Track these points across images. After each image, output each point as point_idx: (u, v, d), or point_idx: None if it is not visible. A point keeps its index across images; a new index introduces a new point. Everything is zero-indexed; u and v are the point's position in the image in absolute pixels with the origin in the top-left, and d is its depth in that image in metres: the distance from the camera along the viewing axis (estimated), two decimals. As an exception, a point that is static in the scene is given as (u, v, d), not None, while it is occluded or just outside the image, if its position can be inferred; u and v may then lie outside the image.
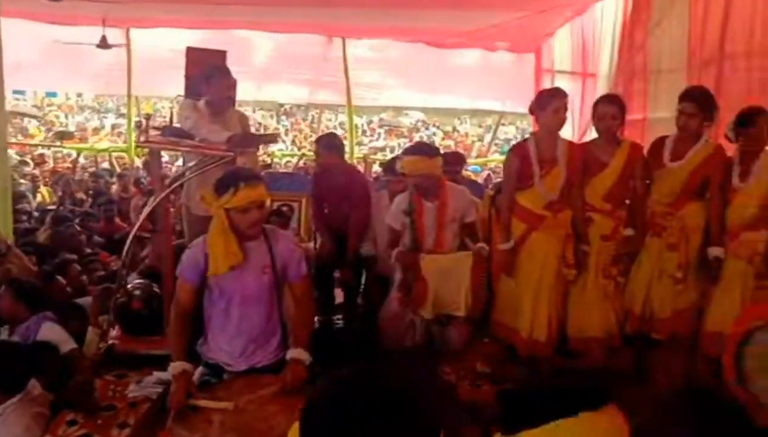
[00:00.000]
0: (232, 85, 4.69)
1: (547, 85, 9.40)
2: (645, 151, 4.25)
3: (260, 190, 2.90)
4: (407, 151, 4.33)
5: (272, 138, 4.61)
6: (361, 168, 9.86)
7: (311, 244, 5.31)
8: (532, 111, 4.09)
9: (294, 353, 2.89)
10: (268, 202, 3.01)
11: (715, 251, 3.94)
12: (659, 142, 4.16)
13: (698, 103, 3.95)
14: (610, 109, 4.05)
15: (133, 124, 9.89)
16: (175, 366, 2.79)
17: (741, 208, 3.92)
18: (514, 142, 4.71)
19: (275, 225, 3.65)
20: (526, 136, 4.76)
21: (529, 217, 4.07)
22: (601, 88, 7.98)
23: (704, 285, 4.05)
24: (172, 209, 5.74)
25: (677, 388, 4.21)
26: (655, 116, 7.12)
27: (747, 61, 6.02)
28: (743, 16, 6.04)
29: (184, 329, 2.96)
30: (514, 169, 4.07)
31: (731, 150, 4.10)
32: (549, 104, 3.92)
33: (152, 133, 4.11)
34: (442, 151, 4.62)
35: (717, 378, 4.25)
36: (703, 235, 4.01)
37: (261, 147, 7.09)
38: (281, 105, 17.96)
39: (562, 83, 9.03)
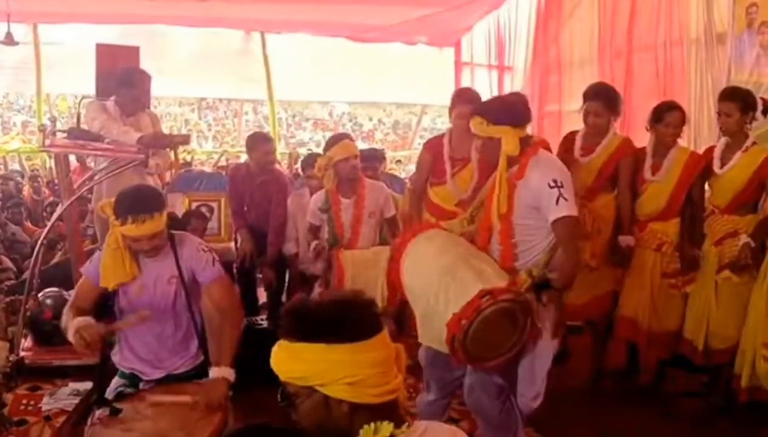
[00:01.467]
0: (147, 86, 4.55)
1: (466, 78, 9.56)
2: (557, 146, 4.34)
3: (151, 224, 2.75)
4: (334, 140, 4.29)
5: (185, 139, 4.49)
6: (286, 163, 9.81)
7: (231, 244, 5.23)
8: (451, 107, 4.06)
9: (216, 372, 2.75)
10: (164, 227, 2.88)
11: (625, 240, 4.07)
12: (570, 137, 4.25)
13: (604, 101, 4.03)
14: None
15: (39, 126, 9.52)
16: (78, 321, 2.64)
17: (651, 200, 4.03)
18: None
19: (194, 228, 3.59)
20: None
21: (440, 214, 4.05)
22: (518, 81, 8.18)
23: (617, 273, 4.20)
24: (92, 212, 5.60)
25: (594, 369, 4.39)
26: (570, 108, 7.32)
27: (653, 53, 6.29)
28: (649, 10, 6.30)
29: (78, 314, 2.77)
30: (426, 164, 4.09)
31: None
32: (454, 107, 3.94)
33: (59, 135, 3.97)
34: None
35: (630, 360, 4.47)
36: (614, 226, 4.15)
37: (185, 146, 6.95)
38: (202, 99, 17.61)
39: (481, 76, 9.21)
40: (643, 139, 4.22)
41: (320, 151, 5.28)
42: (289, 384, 1.50)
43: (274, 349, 1.50)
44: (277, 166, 5.29)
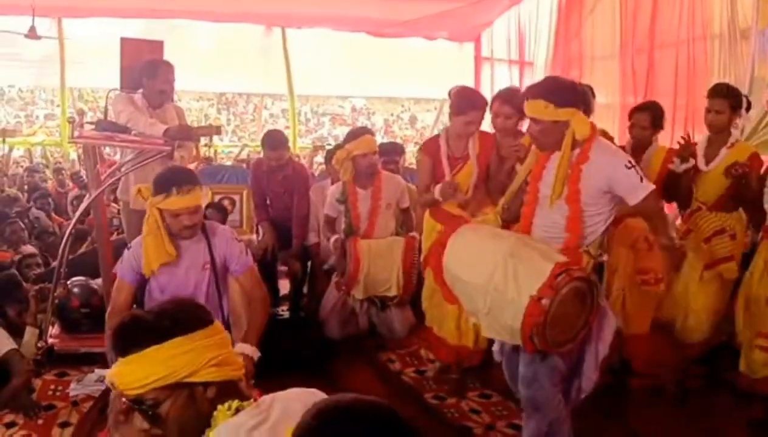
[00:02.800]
0: (174, 77, 4.61)
1: (486, 73, 9.55)
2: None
3: (193, 195, 2.88)
4: (354, 135, 4.34)
5: (214, 130, 4.52)
6: (308, 158, 9.88)
7: (254, 236, 5.30)
8: (449, 108, 3.84)
9: (241, 347, 2.85)
10: (204, 203, 3.00)
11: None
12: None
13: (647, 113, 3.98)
14: (504, 109, 3.84)
15: (67, 117, 9.64)
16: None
17: None
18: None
19: (213, 220, 3.65)
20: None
21: (444, 219, 3.82)
22: (539, 76, 8.15)
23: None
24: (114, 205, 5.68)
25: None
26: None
27: (676, 49, 6.26)
28: (672, 5, 6.27)
29: None
30: (427, 167, 3.87)
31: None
32: (465, 113, 3.70)
33: (86, 127, 4.03)
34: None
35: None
36: None
37: (205, 139, 7.01)
38: (222, 94, 17.69)
39: (501, 71, 9.20)
40: (664, 133, 4.20)
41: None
42: (145, 395, 1.57)
43: (116, 370, 1.59)
44: (299, 159, 5.34)
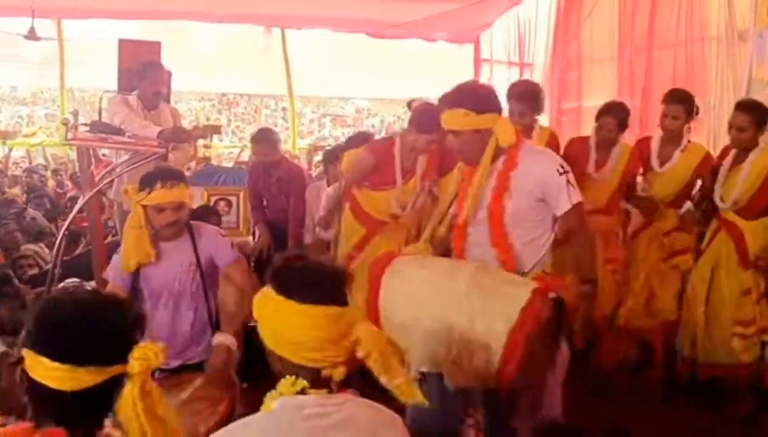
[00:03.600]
0: (165, 79, 4.62)
1: (485, 75, 9.54)
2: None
3: (178, 190, 2.87)
4: (361, 139, 4.38)
5: (210, 131, 4.54)
6: (306, 159, 9.89)
7: (250, 238, 5.30)
8: (410, 121, 3.67)
9: (217, 338, 2.80)
10: (191, 203, 3.00)
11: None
12: (645, 147, 4.18)
13: (528, 102, 3.95)
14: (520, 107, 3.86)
15: (62, 119, 9.67)
16: None
17: (593, 195, 3.92)
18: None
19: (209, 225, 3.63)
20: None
21: (368, 221, 3.79)
22: (538, 78, 8.14)
23: None
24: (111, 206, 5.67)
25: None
26: (590, 104, 7.30)
27: (674, 51, 6.25)
28: (670, 7, 6.26)
29: None
30: (366, 167, 3.71)
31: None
32: (430, 132, 3.47)
33: (81, 128, 4.03)
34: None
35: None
36: None
37: (205, 139, 7.03)
38: (223, 95, 17.71)
39: (500, 73, 9.19)
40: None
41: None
42: None
43: None
44: (298, 160, 5.35)
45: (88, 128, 4.03)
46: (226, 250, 3.06)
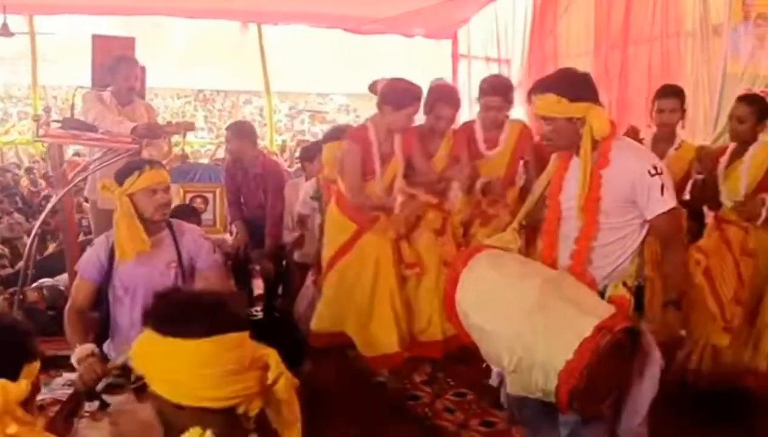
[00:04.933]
0: (137, 74, 4.56)
1: (463, 70, 9.54)
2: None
3: (164, 173, 2.92)
4: (338, 133, 4.30)
5: (184, 127, 4.48)
6: (287, 154, 9.83)
7: (227, 235, 5.24)
8: (381, 103, 3.62)
9: None
10: (173, 193, 2.98)
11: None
12: (469, 131, 4.06)
13: (503, 95, 3.94)
14: (447, 112, 3.87)
15: (33, 115, 9.52)
16: (81, 349, 2.65)
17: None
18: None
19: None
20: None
21: (358, 216, 3.73)
22: (515, 73, 8.17)
23: None
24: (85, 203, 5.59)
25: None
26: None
27: (649, 45, 6.29)
28: (645, 2, 6.30)
29: (80, 321, 2.86)
30: (358, 161, 3.62)
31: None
32: (407, 106, 3.55)
33: (53, 125, 3.97)
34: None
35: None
36: None
37: (179, 135, 6.97)
38: (200, 91, 17.59)
39: (478, 68, 9.19)
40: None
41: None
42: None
43: None
44: (274, 157, 5.30)
45: (60, 125, 3.96)
46: (208, 253, 3.02)
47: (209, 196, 5.38)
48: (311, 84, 13.14)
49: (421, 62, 10.79)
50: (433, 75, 10.25)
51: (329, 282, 3.78)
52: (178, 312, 1.42)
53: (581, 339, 2.16)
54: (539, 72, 7.84)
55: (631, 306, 2.44)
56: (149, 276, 2.91)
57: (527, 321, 2.26)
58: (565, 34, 7.45)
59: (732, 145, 3.80)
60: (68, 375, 3.63)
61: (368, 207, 3.70)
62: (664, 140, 3.91)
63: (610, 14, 6.67)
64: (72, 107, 4.21)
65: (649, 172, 2.41)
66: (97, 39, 5.03)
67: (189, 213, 4.63)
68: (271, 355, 1.46)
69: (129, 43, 5.09)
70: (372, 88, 3.75)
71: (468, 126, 4.10)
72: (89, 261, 2.94)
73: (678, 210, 2.56)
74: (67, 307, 2.91)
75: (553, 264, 2.61)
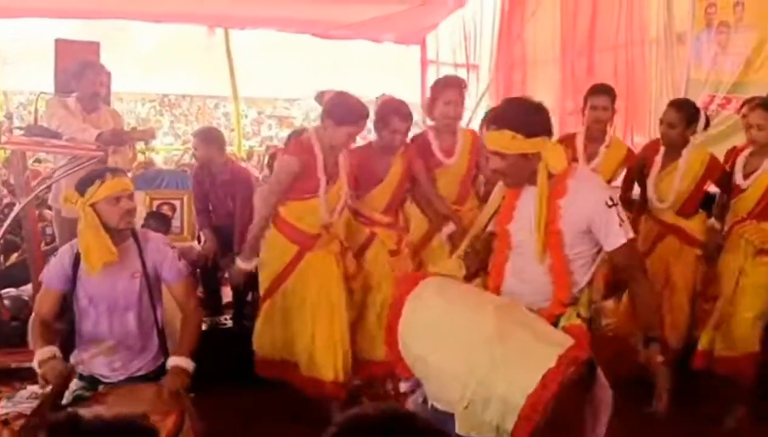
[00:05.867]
0: (103, 80, 4.48)
1: (432, 75, 9.57)
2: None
3: (126, 181, 2.88)
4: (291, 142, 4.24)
5: (148, 134, 4.42)
6: (254, 160, 9.74)
7: (195, 243, 5.17)
8: (324, 116, 3.43)
9: (175, 361, 2.81)
10: (139, 201, 2.94)
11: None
12: (422, 142, 4.01)
13: (462, 93, 3.93)
14: (401, 126, 3.75)
15: (-2, 122, 9.34)
16: (42, 352, 2.66)
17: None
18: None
19: (153, 231, 3.54)
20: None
21: (300, 238, 3.51)
22: (483, 79, 8.23)
23: None
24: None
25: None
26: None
27: (615, 53, 6.39)
28: (611, 10, 6.40)
29: (45, 331, 2.82)
30: (292, 172, 3.40)
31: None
32: (352, 124, 3.37)
33: (16, 132, 3.88)
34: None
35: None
36: None
37: (141, 143, 6.87)
38: (165, 96, 17.38)
39: (447, 73, 9.24)
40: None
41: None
42: None
43: None
44: (243, 163, 5.25)
45: (23, 132, 3.87)
46: (174, 265, 2.96)
47: (176, 203, 5.30)
48: (279, 89, 13.03)
49: (389, 68, 10.80)
50: (403, 81, 10.34)
51: (271, 308, 3.58)
52: None
53: (545, 370, 2.08)
54: (507, 77, 7.93)
55: (587, 337, 2.38)
56: (113, 287, 2.87)
57: (484, 352, 2.15)
58: (533, 40, 7.54)
59: (662, 149, 3.92)
60: (33, 388, 3.54)
61: (264, 218, 3.52)
62: (595, 139, 4.04)
63: (576, 21, 6.77)
64: (35, 113, 4.11)
65: (606, 203, 2.38)
66: (60, 43, 4.94)
67: (160, 220, 4.59)
68: None
69: (93, 47, 5.00)
70: (318, 98, 3.62)
71: (420, 137, 4.02)
72: (53, 271, 2.88)
73: (636, 240, 2.54)
74: (31, 318, 2.88)
75: (498, 295, 2.55)
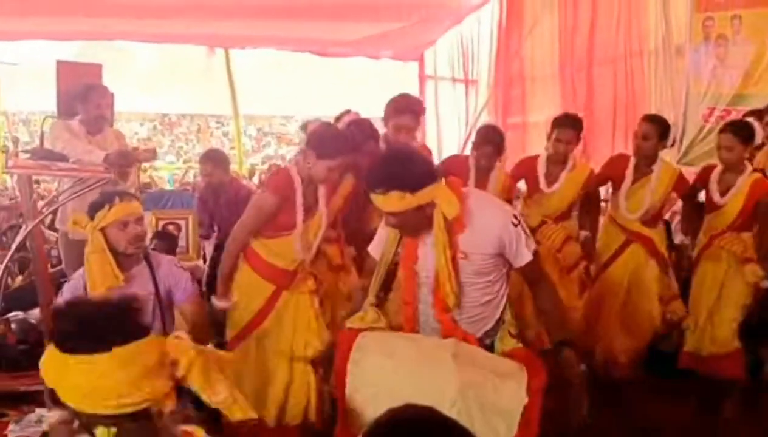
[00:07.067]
0: (108, 102, 4.50)
1: (430, 91, 9.64)
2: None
3: (136, 204, 2.88)
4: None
5: (151, 154, 4.42)
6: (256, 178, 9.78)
7: (200, 262, 5.19)
8: (306, 146, 3.15)
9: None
10: (147, 222, 2.94)
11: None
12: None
13: (415, 115, 3.90)
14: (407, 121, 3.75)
15: (1, 146, 9.36)
16: (53, 415, 2.62)
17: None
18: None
19: (159, 251, 3.56)
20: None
21: (277, 276, 3.20)
22: (482, 94, 8.28)
23: None
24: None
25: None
26: (535, 119, 7.45)
27: (614, 66, 6.43)
28: (609, 24, 6.44)
29: None
30: (271, 211, 3.12)
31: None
32: (332, 157, 3.07)
33: (22, 155, 3.89)
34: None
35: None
36: None
37: (149, 162, 6.90)
38: (165, 115, 17.47)
39: (445, 89, 9.31)
40: (604, 149, 4.31)
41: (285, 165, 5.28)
42: None
43: None
44: (244, 181, 5.28)
45: (29, 155, 3.88)
46: (186, 285, 2.98)
47: (182, 222, 5.33)
48: (279, 107, 13.12)
49: (388, 84, 10.87)
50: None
51: (244, 354, 3.20)
52: (76, 329, 1.43)
53: (521, 408, 2.09)
54: (506, 93, 7.97)
55: (533, 356, 2.39)
56: None
57: (461, 402, 2.08)
58: (531, 56, 7.58)
59: (633, 160, 4.03)
60: (41, 411, 3.54)
61: (235, 256, 3.19)
62: (558, 162, 4.08)
63: (574, 36, 6.81)
64: (41, 136, 4.13)
65: (512, 223, 2.38)
66: (62, 65, 4.95)
67: (167, 240, 4.61)
68: (179, 347, 1.49)
69: (95, 69, 5.01)
70: (303, 127, 3.50)
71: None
72: (69, 296, 2.89)
73: (538, 251, 2.52)
74: None
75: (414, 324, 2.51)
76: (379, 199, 2.33)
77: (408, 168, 2.33)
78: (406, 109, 3.82)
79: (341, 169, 3.14)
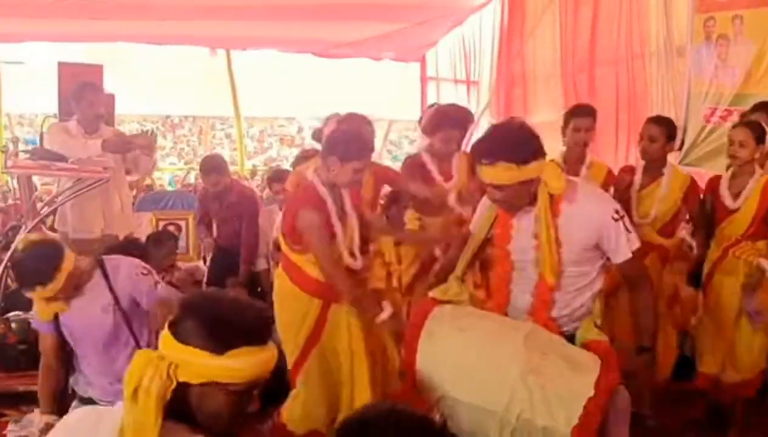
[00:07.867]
0: (102, 100, 4.50)
1: (432, 92, 9.62)
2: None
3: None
4: (306, 156, 4.22)
5: (146, 140, 4.33)
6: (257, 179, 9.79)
7: (200, 263, 5.20)
8: (325, 153, 3.10)
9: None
10: (146, 221, 2.93)
11: None
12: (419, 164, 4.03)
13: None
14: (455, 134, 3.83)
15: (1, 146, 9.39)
16: (40, 419, 2.82)
17: None
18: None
19: (159, 251, 3.55)
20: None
21: (324, 290, 3.10)
22: (484, 95, 8.27)
23: None
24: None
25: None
26: (536, 120, 7.42)
27: (615, 67, 6.41)
28: (610, 24, 6.42)
29: (49, 378, 2.92)
30: (321, 223, 3.02)
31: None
32: (351, 160, 3.01)
33: (21, 156, 3.90)
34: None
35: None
36: None
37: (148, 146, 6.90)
38: (167, 117, 17.48)
39: (447, 90, 9.29)
40: (607, 150, 4.28)
41: (287, 166, 5.29)
42: None
43: None
44: (245, 182, 5.30)
45: (28, 155, 3.89)
46: (149, 291, 2.91)
47: (182, 223, 5.34)
48: (280, 108, 13.12)
49: (390, 84, 10.87)
50: (403, 98, 10.37)
51: (307, 374, 3.15)
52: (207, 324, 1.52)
53: (585, 400, 2.05)
54: (508, 93, 7.96)
55: (613, 354, 2.34)
56: (87, 325, 2.87)
57: (520, 387, 2.07)
58: (533, 57, 7.56)
59: (641, 164, 3.88)
60: (40, 411, 3.54)
61: (343, 276, 3.07)
62: (576, 161, 3.94)
63: (575, 37, 6.79)
64: (41, 137, 4.14)
65: (613, 218, 2.35)
66: (63, 67, 4.98)
67: (166, 238, 4.61)
68: None
69: (96, 70, 5.05)
70: (316, 136, 3.45)
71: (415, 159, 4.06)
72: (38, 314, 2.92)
73: (641, 249, 2.49)
74: (40, 365, 2.95)
75: (503, 310, 2.52)
76: (484, 170, 2.30)
77: (518, 140, 2.31)
78: (457, 125, 3.87)
79: (365, 168, 3.12)
